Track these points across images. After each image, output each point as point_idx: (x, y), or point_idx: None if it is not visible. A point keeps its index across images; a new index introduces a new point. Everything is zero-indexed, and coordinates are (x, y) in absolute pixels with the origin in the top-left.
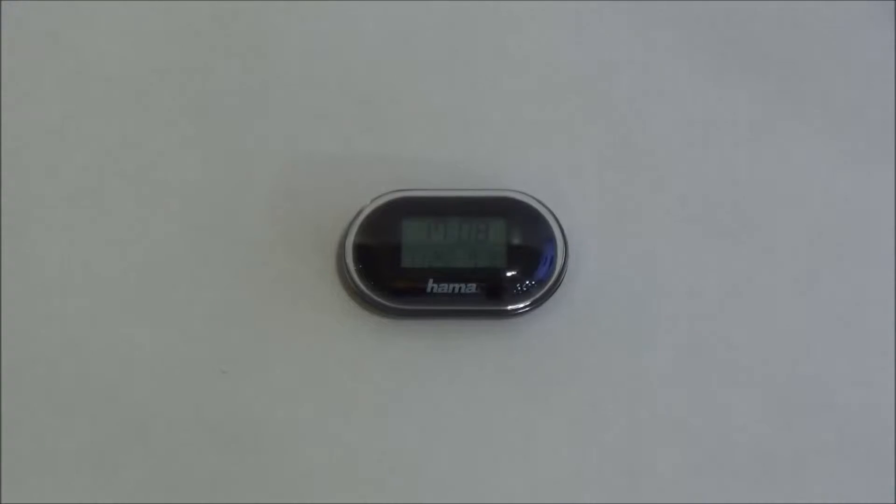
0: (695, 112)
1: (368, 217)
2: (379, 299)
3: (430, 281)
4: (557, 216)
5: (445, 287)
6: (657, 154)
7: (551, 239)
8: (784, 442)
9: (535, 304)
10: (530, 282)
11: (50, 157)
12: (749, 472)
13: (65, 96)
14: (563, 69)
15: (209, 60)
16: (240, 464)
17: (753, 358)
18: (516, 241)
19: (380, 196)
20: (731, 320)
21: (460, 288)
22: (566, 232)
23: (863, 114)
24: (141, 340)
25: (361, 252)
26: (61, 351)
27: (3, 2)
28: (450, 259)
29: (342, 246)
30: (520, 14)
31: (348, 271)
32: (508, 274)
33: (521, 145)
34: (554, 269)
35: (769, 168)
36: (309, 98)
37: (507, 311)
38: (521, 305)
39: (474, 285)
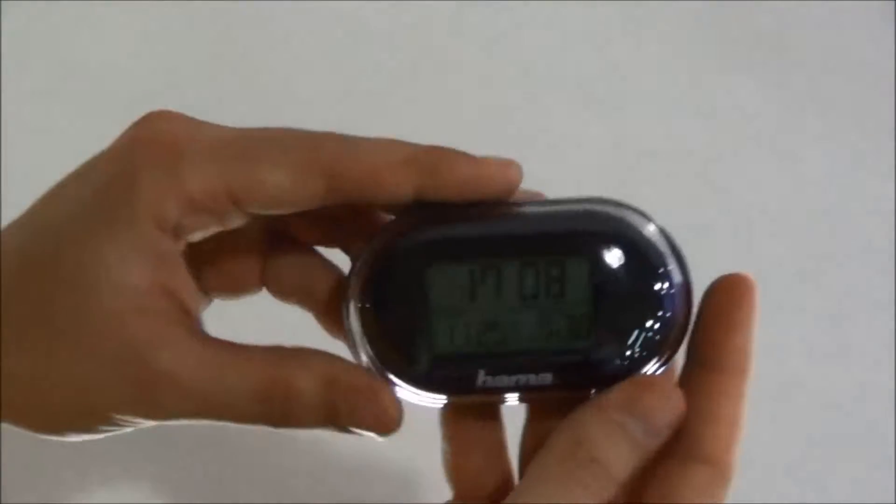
0: (695, 112)
1: (378, 262)
2: (399, 387)
3: (481, 373)
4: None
5: (504, 380)
6: (656, 154)
7: (664, 272)
8: (784, 442)
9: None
10: (643, 349)
11: (50, 157)
12: (749, 472)
13: (65, 96)
14: (565, 69)
15: (210, 60)
16: (239, 463)
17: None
18: (614, 287)
19: (395, 222)
20: None
21: (528, 380)
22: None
23: (863, 114)
24: None
25: (375, 322)
26: None
27: (2, 2)
28: (511, 333)
29: (346, 313)
30: (521, 16)
31: (357, 353)
32: (606, 348)
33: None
34: (674, 320)
35: (769, 168)
36: (311, 100)
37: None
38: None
39: (550, 375)
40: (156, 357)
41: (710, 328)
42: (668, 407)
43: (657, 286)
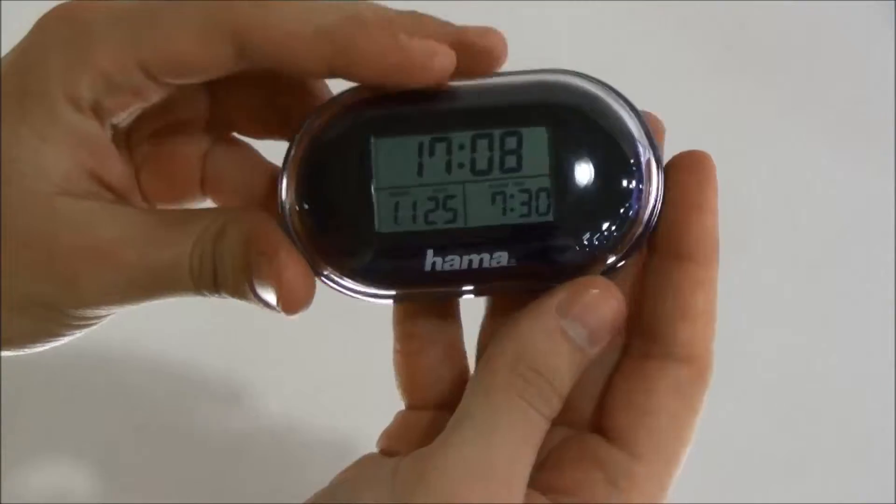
0: (694, 112)
1: (314, 139)
2: (343, 284)
3: (430, 254)
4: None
5: (456, 261)
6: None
7: (632, 149)
8: (784, 442)
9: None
10: (609, 233)
11: None
12: (749, 472)
13: None
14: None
15: None
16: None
17: (753, 358)
18: (576, 161)
19: (334, 99)
20: (731, 320)
21: (482, 261)
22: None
23: (863, 114)
24: (144, 340)
25: (308, 203)
26: (62, 350)
27: (2, 2)
28: (462, 210)
29: (279, 195)
30: (520, 15)
31: (293, 234)
32: (566, 228)
33: None
34: (642, 203)
35: (769, 167)
36: None
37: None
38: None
39: (505, 255)
40: (80, 232)
41: (672, 213)
42: (608, 307)
43: (625, 173)
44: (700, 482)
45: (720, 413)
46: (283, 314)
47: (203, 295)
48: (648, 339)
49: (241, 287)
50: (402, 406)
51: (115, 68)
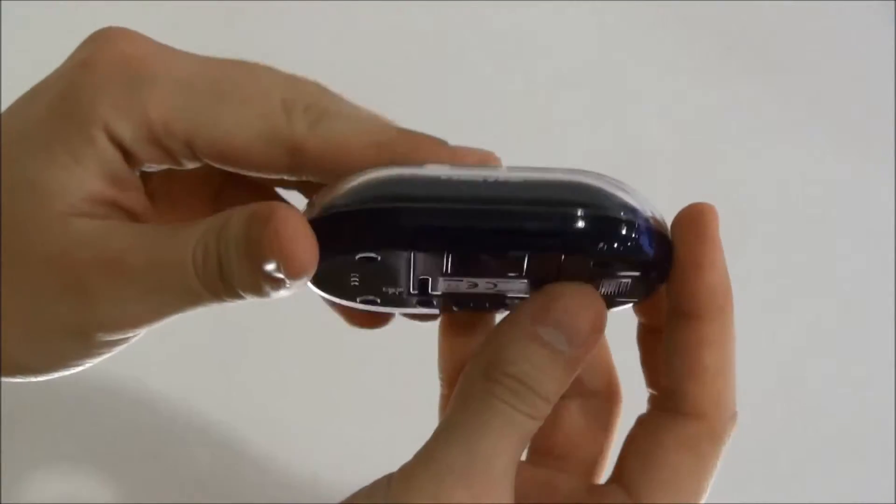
0: (695, 112)
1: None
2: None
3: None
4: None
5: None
6: (655, 154)
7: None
8: (784, 442)
9: None
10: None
11: None
12: (749, 472)
13: None
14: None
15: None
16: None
17: (753, 358)
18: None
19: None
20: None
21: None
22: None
23: (863, 114)
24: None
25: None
26: None
27: (2, 2)
28: None
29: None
30: (520, 15)
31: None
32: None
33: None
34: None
35: (769, 167)
36: None
37: None
38: None
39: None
40: (93, 248)
41: (678, 271)
42: (581, 308)
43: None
44: None
45: None
46: (290, 285)
47: (215, 300)
48: (664, 394)
49: (248, 272)
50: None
51: (162, 128)
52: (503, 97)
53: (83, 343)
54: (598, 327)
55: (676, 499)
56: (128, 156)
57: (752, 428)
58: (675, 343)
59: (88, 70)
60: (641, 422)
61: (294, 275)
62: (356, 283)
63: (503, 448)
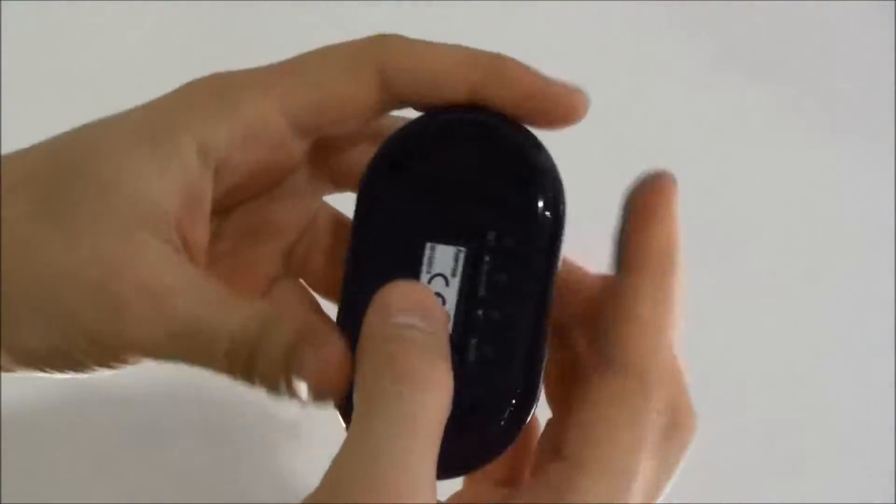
0: (694, 112)
1: None
2: None
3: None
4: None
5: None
6: (655, 154)
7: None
8: (784, 442)
9: None
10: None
11: None
12: (749, 472)
13: (65, 96)
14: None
15: (212, 61)
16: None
17: (753, 358)
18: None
19: None
20: (731, 320)
21: None
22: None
23: (863, 114)
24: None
25: None
26: None
27: (2, 2)
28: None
29: None
30: (520, 14)
31: None
32: None
33: None
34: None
35: (769, 167)
36: None
37: None
38: None
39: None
40: (143, 269)
41: (625, 228)
42: (403, 291)
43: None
44: (699, 482)
45: (720, 413)
46: (305, 403)
47: (227, 374)
48: (594, 350)
49: (273, 376)
50: None
51: (257, 116)
52: None
53: (84, 351)
54: (424, 304)
55: (612, 454)
56: (219, 168)
57: (752, 428)
58: (612, 297)
59: (182, 91)
60: (577, 392)
61: (315, 400)
62: None
63: (403, 429)
